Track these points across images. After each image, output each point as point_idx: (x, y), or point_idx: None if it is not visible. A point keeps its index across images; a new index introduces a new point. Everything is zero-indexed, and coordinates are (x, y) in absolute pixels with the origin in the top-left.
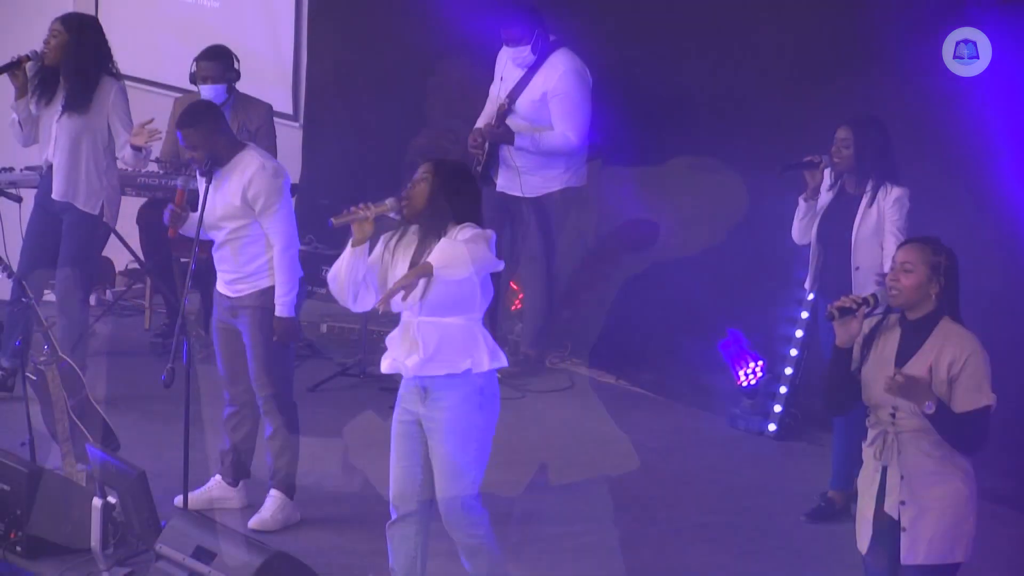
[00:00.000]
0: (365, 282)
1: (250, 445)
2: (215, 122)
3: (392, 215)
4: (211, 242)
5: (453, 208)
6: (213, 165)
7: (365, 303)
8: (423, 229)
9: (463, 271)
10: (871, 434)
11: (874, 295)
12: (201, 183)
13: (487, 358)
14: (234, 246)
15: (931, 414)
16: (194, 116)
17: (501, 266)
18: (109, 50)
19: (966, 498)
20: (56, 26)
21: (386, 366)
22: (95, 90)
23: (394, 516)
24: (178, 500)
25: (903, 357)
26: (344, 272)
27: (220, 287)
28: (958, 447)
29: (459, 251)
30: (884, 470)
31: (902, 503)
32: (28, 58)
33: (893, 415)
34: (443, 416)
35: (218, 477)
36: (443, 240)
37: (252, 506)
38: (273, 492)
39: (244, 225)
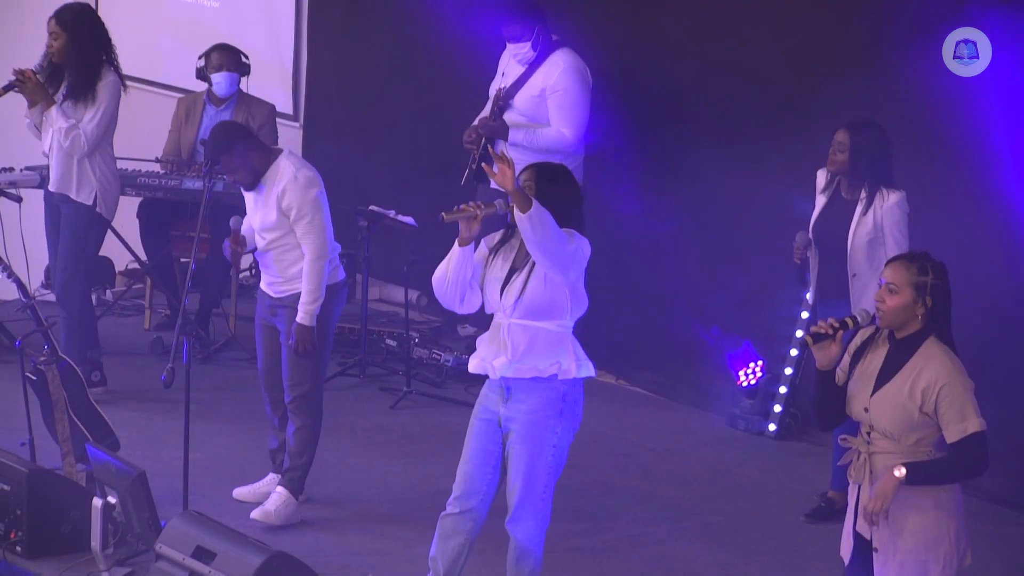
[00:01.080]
0: (471, 283)
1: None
2: (245, 140)
3: (500, 215)
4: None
5: (555, 212)
6: (255, 180)
7: (472, 304)
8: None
9: (553, 257)
10: (847, 456)
11: (852, 316)
12: (247, 196)
13: (575, 366)
14: (275, 253)
15: (907, 478)
16: (225, 142)
17: (585, 302)
18: (109, 38)
19: (941, 519)
20: (53, 27)
21: (473, 366)
22: (98, 81)
23: (450, 509)
24: (236, 492)
25: (885, 375)
26: (452, 272)
27: (263, 286)
28: (958, 481)
29: (564, 248)
30: (859, 489)
31: (873, 524)
32: (33, 72)
33: (869, 435)
34: (523, 418)
35: (271, 475)
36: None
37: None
38: (280, 489)
39: (283, 234)
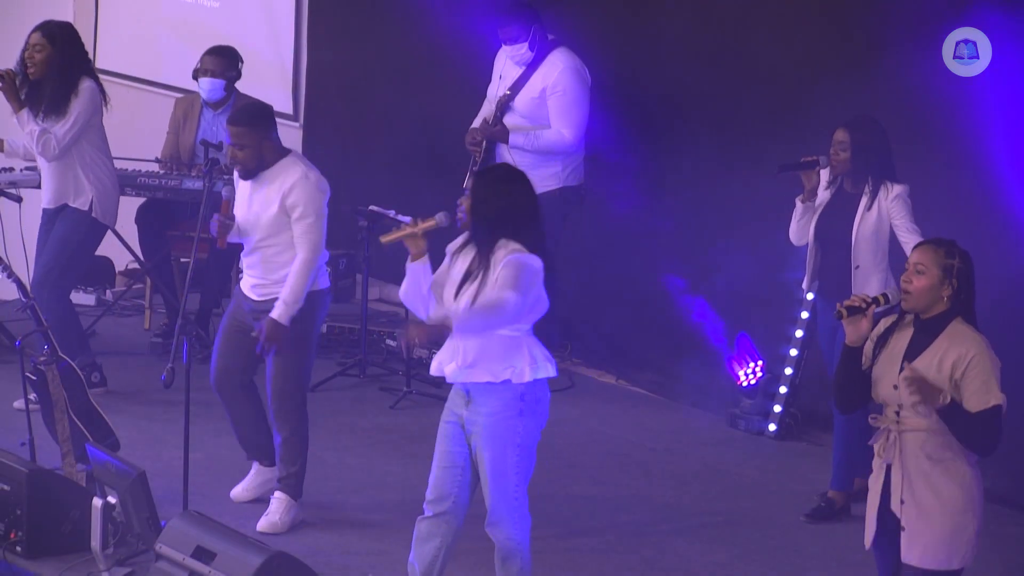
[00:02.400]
0: (431, 294)
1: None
2: (269, 126)
3: (442, 226)
4: (234, 244)
5: (502, 219)
6: (258, 169)
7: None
8: (475, 243)
9: (488, 325)
10: (877, 435)
11: (884, 294)
12: (237, 184)
13: (529, 369)
14: (265, 254)
15: (942, 408)
16: (251, 116)
17: (544, 303)
18: (87, 52)
19: (965, 505)
20: (38, 39)
21: (433, 367)
22: (73, 93)
23: (425, 513)
24: (233, 493)
25: (911, 356)
26: (408, 286)
27: (245, 288)
28: (971, 448)
29: (490, 308)
30: (889, 468)
31: (902, 502)
32: (13, 73)
33: (898, 413)
34: (484, 421)
35: (256, 465)
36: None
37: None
38: (279, 495)
39: (276, 234)
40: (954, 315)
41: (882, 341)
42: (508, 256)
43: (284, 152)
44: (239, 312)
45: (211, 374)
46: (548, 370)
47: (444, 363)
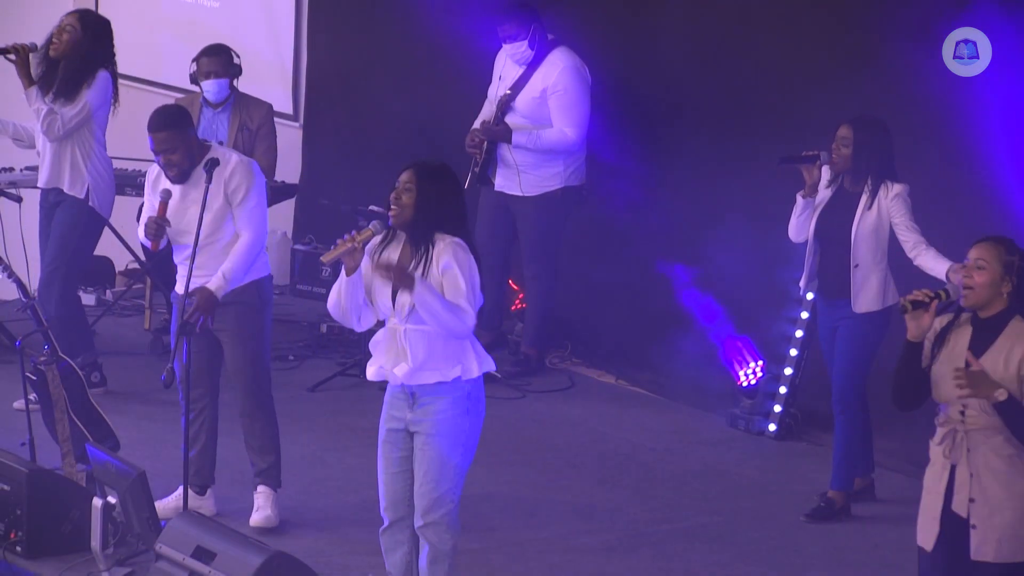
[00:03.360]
0: (366, 302)
1: (211, 454)
2: (188, 122)
3: (380, 233)
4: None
5: (440, 214)
6: (191, 168)
7: (368, 320)
8: (411, 238)
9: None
10: (940, 432)
11: (945, 290)
12: (153, 180)
13: (476, 365)
14: (211, 251)
15: (1000, 404)
16: (171, 118)
17: (479, 299)
18: (114, 51)
19: None
20: (72, 21)
21: (372, 373)
22: (86, 82)
23: (386, 522)
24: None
25: (974, 355)
26: (345, 299)
27: (183, 288)
28: None
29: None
30: (952, 468)
31: (971, 500)
32: (28, 48)
33: (963, 413)
34: (432, 419)
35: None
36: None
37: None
38: (262, 488)
39: (221, 227)
40: (1013, 313)
41: (940, 340)
42: (453, 251)
43: (207, 147)
44: (177, 313)
45: (188, 381)
46: (490, 364)
47: (387, 367)
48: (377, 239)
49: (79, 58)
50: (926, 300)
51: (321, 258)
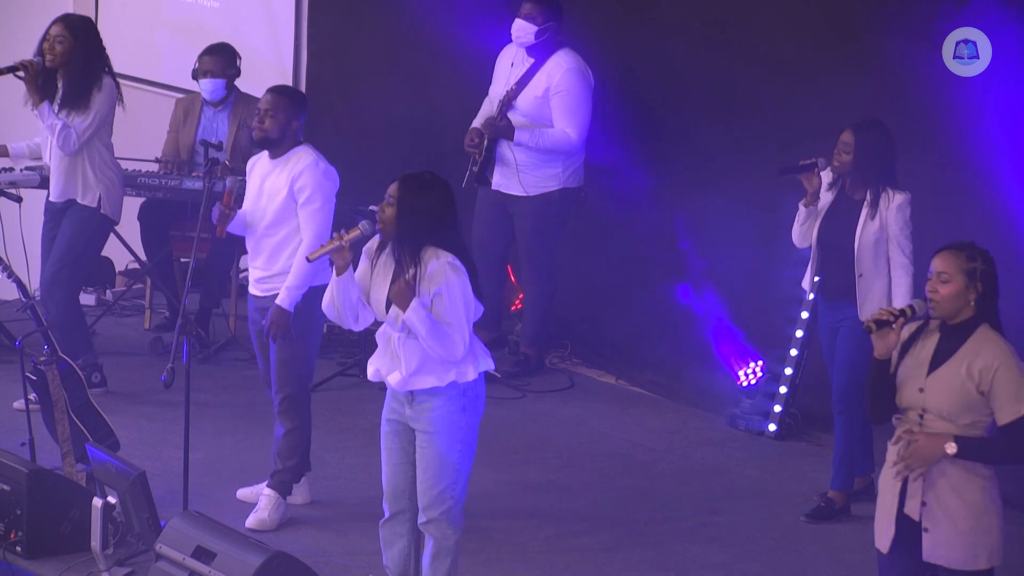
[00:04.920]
0: (361, 301)
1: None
2: (301, 111)
3: (367, 235)
4: (235, 238)
5: (425, 229)
6: (277, 143)
7: (366, 319)
8: (395, 251)
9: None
10: (898, 433)
11: (911, 306)
12: (251, 172)
13: (471, 368)
14: (269, 243)
15: (957, 454)
16: (291, 93)
17: (479, 308)
18: (104, 48)
19: (987, 506)
20: (60, 31)
21: (371, 373)
22: (94, 90)
23: (387, 514)
24: (240, 493)
25: (938, 361)
26: (339, 299)
27: (251, 287)
28: (1003, 462)
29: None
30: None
31: (923, 504)
32: (36, 64)
33: (921, 416)
34: (429, 417)
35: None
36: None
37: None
38: (268, 491)
39: (282, 222)
40: (981, 320)
41: (907, 346)
42: (445, 275)
43: (300, 143)
44: (253, 313)
45: (263, 379)
46: (488, 363)
47: (383, 371)
48: (375, 242)
49: (78, 67)
50: (891, 319)
51: (307, 256)
